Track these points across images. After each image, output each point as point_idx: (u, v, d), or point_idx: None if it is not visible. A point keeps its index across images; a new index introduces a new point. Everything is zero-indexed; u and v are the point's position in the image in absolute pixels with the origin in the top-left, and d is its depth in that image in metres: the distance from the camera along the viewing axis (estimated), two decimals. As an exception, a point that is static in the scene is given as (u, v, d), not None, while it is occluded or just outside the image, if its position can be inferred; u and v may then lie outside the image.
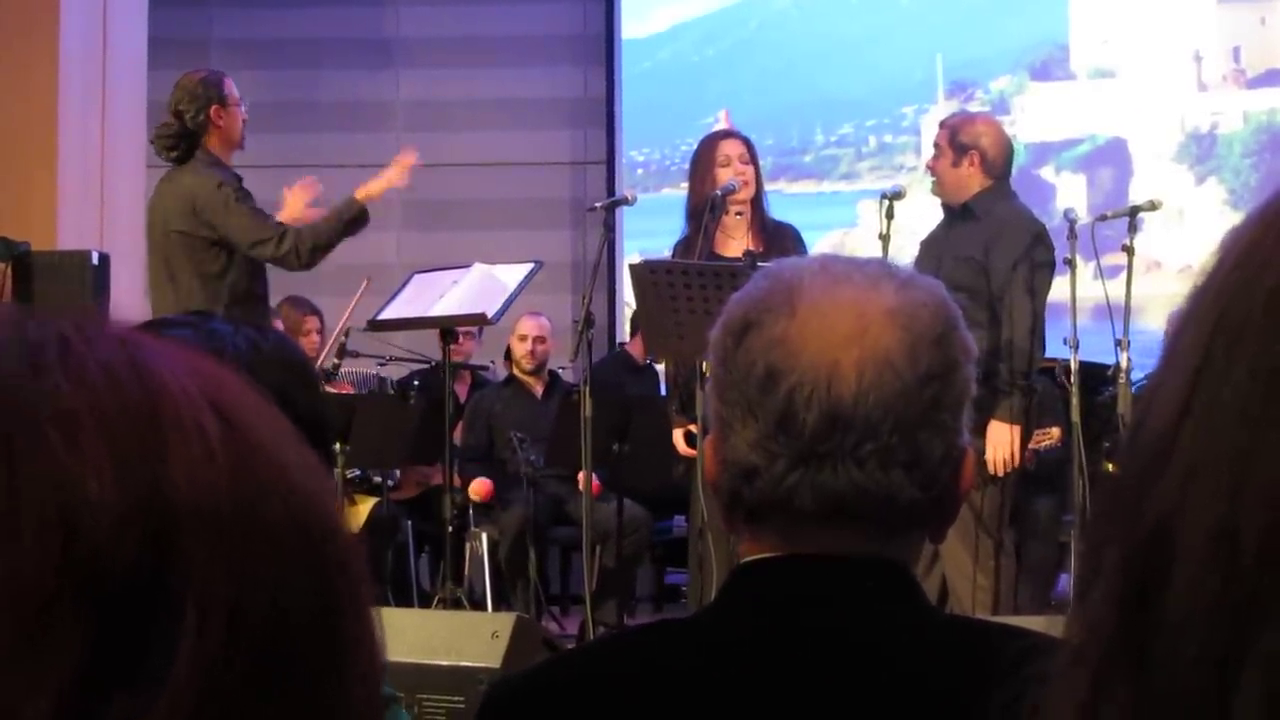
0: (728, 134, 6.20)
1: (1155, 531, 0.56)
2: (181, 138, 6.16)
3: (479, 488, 7.68)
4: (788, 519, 1.40)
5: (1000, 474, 5.66)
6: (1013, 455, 5.66)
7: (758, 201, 5.99)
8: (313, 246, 6.11)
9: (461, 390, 8.36)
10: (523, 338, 8.18)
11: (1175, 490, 0.56)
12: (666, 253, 6.23)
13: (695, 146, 6.24)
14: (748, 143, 6.05)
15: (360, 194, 6.29)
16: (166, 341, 0.66)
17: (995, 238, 5.78)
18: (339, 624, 0.65)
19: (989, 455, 5.62)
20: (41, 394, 0.61)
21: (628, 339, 8.93)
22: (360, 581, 0.67)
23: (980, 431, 5.58)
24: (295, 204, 6.46)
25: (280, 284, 6.72)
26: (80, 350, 0.63)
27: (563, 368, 8.37)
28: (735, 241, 5.90)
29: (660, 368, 8.87)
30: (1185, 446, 0.57)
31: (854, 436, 1.37)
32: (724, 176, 5.88)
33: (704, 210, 5.81)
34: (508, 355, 8.58)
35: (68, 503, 0.59)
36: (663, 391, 8.56)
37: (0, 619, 0.57)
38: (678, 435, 5.94)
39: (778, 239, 5.85)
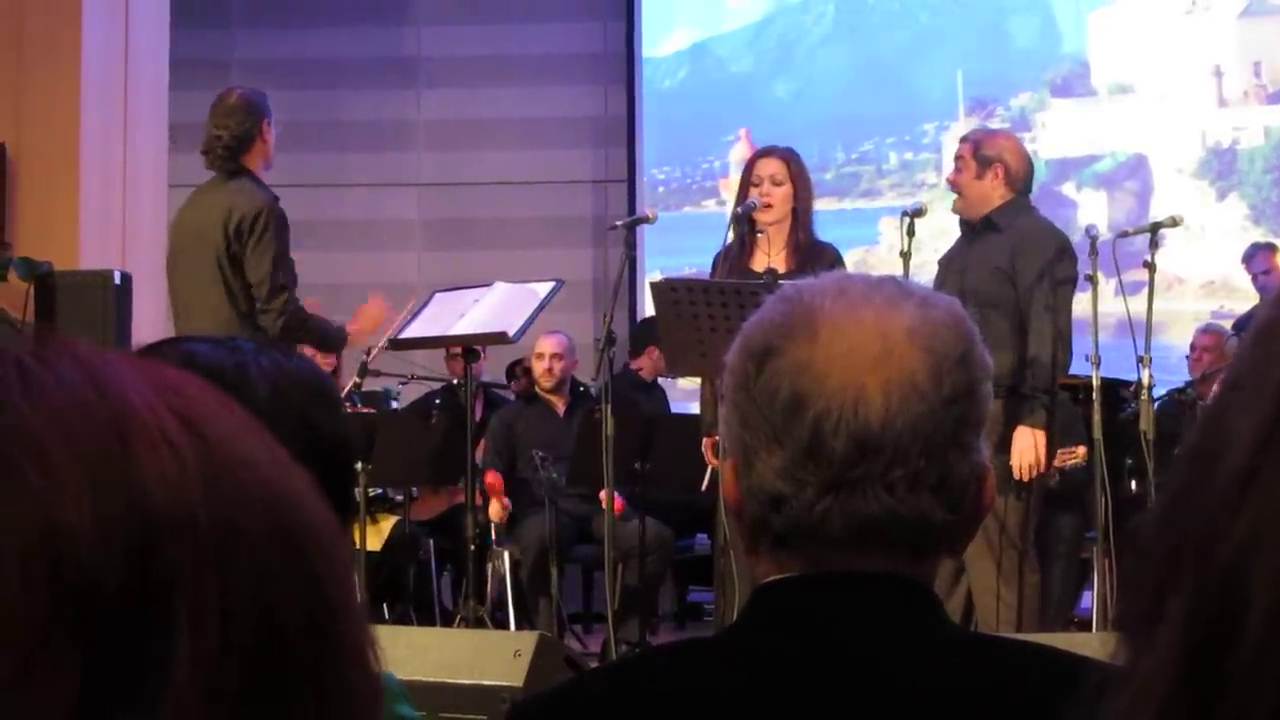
0: (769, 151, 6.08)
1: (1226, 579, 0.55)
2: (234, 149, 6.09)
3: (494, 501, 7.64)
4: (816, 545, 1.39)
5: (1026, 479, 5.63)
6: (1038, 461, 5.63)
7: (797, 218, 5.94)
8: (292, 326, 6.02)
9: (476, 409, 8.35)
10: (540, 356, 8.16)
11: (1249, 539, 0.55)
12: (690, 269, 6.22)
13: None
14: (788, 161, 5.97)
15: (352, 328, 6.36)
16: (127, 358, 0.66)
17: (1020, 248, 5.79)
18: (331, 624, 0.65)
19: (1015, 462, 5.59)
20: (6, 425, 0.61)
21: (629, 358, 8.86)
22: (347, 580, 0.67)
23: (1006, 446, 5.57)
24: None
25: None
26: (39, 374, 0.63)
27: (583, 386, 8.36)
28: (768, 257, 5.90)
29: (668, 386, 8.88)
30: (1260, 494, 0.55)
31: (883, 462, 1.36)
32: (755, 195, 5.90)
33: (732, 226, 5.89)
34: (510, 375, 8.59)
35: (48, 529, 0.59)
36: (673, 409, 8.56)
37: None
38: (707, 445, 5.93)
39: (812, 258, 5.78)
